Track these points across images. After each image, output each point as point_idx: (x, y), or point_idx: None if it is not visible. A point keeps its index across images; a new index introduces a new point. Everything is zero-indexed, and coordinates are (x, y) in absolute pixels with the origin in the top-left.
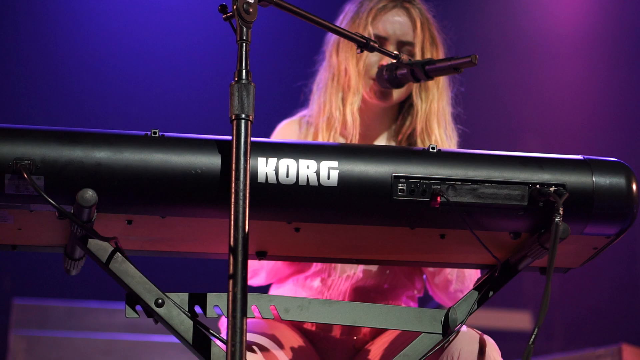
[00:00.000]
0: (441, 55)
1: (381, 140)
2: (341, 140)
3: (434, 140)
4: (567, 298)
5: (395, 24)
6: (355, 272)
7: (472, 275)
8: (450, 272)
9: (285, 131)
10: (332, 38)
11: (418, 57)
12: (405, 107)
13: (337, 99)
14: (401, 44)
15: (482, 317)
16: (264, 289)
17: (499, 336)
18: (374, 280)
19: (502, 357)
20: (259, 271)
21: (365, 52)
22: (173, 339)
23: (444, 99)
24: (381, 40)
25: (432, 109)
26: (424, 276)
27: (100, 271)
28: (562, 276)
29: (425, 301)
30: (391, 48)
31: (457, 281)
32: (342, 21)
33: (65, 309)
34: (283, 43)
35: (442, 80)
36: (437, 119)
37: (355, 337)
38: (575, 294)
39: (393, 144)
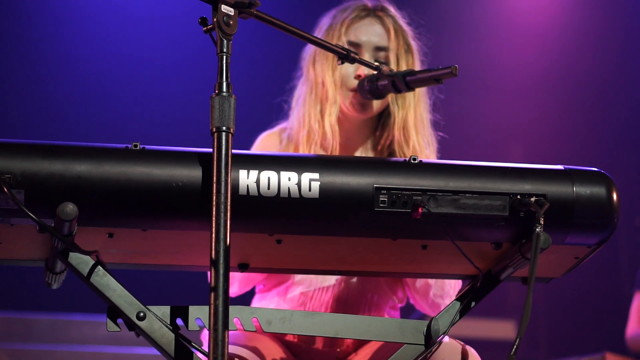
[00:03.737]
0: (416, 62)
1: (362, 151)
2: (322, 153)
3: (411, 147)
4: (551, 307)
5: (369, 31)
6: (336, 282)
7: (452, 282)
8: (430, 282)
9: (265, 143)
10: (308, 52)
11: (393, 64)
12: (384, 117)
13: (315, 112)
14: (377, 50)
15: (465, 327)
16: (246, 300)
17: (482, 346)
18: (356, 291)
19: None
20: (232, 281)
21: (343, 63)
22: (156, 351)
23: (421, 106)
24: (356, 47)
25: (409, 116)
26: (405, 282)
27: (83, 284)
28: (545, 285)
29: (408, 311)
30: (367, 55)
31: (436, 286)
32: (318, 34)
33: (48, 322)
34: (265, 55)
35: (420, 89)
36: (414, 126)
37: (338, 349)
38: (558, 303)
39: (373, 154)
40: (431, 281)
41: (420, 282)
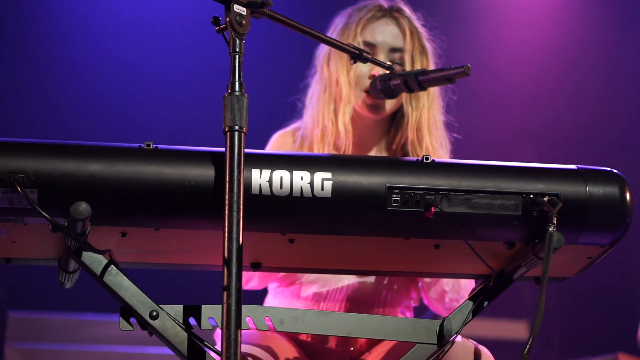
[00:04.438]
0: (431, 64)
1: (375, 151)
2: (335, 152)
3: (425, 148)
4: (564, 307)
5: (385, 31)
6: (351, 282)
7: (467, 285)
8: (447, 283)
9: (280, 142)
10: (322, 51)
11: (408, 65)
12: (397, 117)
13: (329, 110)
14: (392, 51)
15: (478, 327)
16: (259, 299)
17: (494, 346)
18: (370, 291)
19: None
20: (251, 276)
21: (357, 63)
22: (169, 351)
23: (435, 107)
24: (372, 48)
25: (423, 117)
26: (420, 285)
27: (96, 283)
28: (558, 285)
29: (421, 311)
30: (382, 56)
31: (453, 291)
32: (332, 33)
33: (60, 322)
34: (277, 54)
35: (433, 89)
36: (427, 127)
37: (351, 349)
38: (571, 303)
39: (387, 154)
40: (447, 287)
41: (435, 291)
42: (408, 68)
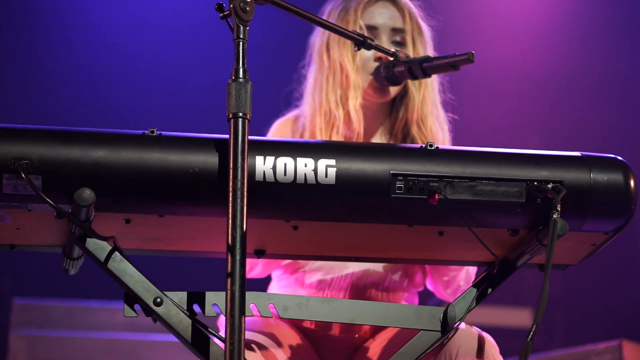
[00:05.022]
0: (428, 44)
1: (378, 136)
2: (341, 139)
3: (428, 126)
4: (567, 295)
5: (384, 13)
6: (355, 269)
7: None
8: (462, 278)
9: (281, 130)
10: (318, 39)
11: (409, 45)
12: (397, 100)
13: (335, 97)
14: (394, 32)
15: (482, 315)
16: (263, 286)
17: (498, 333)
18: (374, 278)
19: (502, 354)
20: (255, 263)
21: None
22: (173, 337)
23: (435, 87)
24: (373, 31)
25: (426, 96)
26: (427, 269)
27: (100, 271)
28: (562, 273)
29: (426, 297)
30: (384, 38)
31: (466, 285)
32: (328, 18)
33: (65, 309)
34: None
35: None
36: (429, 107)
37: (356, 335)
38: (575, 291)
39: (388, 138)
40: (462, 282)
41: (451, 290)
42: (410, 48)
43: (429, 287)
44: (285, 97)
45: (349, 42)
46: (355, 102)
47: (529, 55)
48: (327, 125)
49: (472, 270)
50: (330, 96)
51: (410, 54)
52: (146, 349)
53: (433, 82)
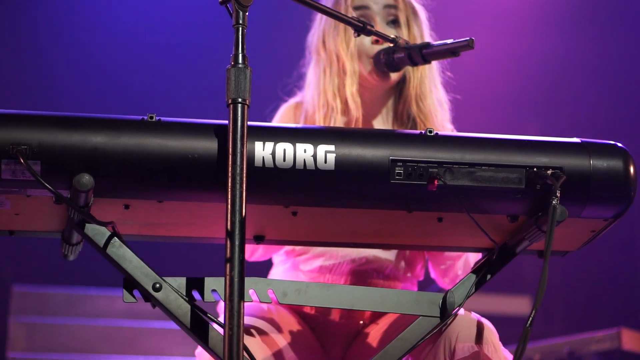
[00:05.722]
0: (423, 23)
1: (380, 120)
2: (343, 125)
3: (427, 105)
4: (567, 282)
5: None
6: (356, 256)
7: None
8: (459, 267)
9: (287, 115)
10: (314, 36)
11: (403, 25)
12: (399, 86)
13: (333, 87)
14: (387, 8)
15: (481, 302)
16: (264, 272)
17: (498, 321)
18: (376, 265)
19: (502, 341)
20: (257, 247)
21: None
22: (172, 325)
23: (434, 67)
24: (366, 10)
25: (424, 75)
26: (427, 257)
27: (99, 258)
28: (561, 260)
29: (426, 285)
30: (378, 18)
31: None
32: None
33: (64, 296)
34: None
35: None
36: (428, 86)
37: (360, 322)
38: (574, 279)
39: (391, 121)
40: (460, 272)
41: (449, 279)
42: (404, 27)
43: (431, 274)
44: (284, 84)
45: (343, 32)
46: (352, 89)
47: (528, 41)
48: (325, 118)
49: (473, 258)
50: (328, 87)
51: (405, 33)
52: (145, 336)
53: (431, 67)
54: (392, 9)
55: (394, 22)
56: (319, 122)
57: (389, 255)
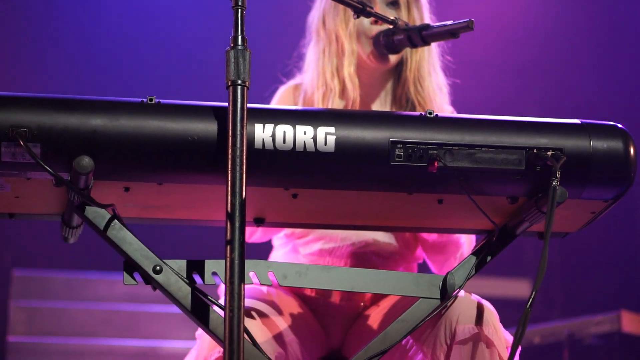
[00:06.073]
0: (424, 6)
1: (378, 103)
2: (341, 106)
3: (425, 87)
4: (566, 264)
5: None
6: (357, 239)
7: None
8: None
9: (285, 97)
10: (315, 16)
11: (403, 8)
12: (398, 65)
13: (331, 67)
14: None
15: (482, 285)
16: (264, 254)
17: (498, 304)
18: (376, 248)
19: (502, 323)
20: (255, 229)
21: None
22: (172, 308)
23: (433, 49)
24: None
25: (422, 57)
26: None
27: (100, 243)
28: (561, 243)
29: (426, 267)
30: (378, 0)
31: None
32: None
33: (64, 280)
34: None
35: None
36: (426, 68)
37: (361, 303)
38: (574, 262)
39: (390, 104)
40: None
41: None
42: (403, 9)
43: (430, 266)
44: (284, 65)
45: (342, 12)
46: (349, 69)
47: (528, 21)
48: (323, 98)
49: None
50: (327, 67)
51: (405, 15)
52: (146, 319)
53: (432, 45)
54: None
55: (394, 4)
56: (317, 102)
57: (388, 237)
